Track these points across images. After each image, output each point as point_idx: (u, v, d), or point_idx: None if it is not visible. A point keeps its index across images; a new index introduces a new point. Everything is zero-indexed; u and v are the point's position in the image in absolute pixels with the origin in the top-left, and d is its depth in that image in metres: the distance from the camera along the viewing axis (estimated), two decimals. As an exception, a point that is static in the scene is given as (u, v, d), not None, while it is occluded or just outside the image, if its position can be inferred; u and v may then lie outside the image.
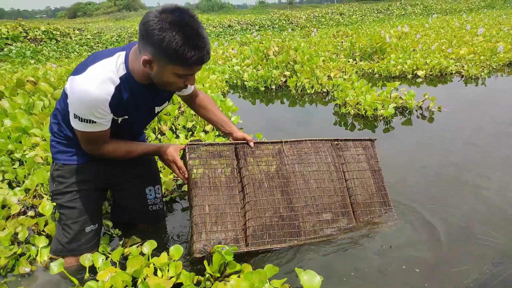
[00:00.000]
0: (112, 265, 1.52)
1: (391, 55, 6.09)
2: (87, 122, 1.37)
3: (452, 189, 2.15)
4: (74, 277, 1.49)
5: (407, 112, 3.64)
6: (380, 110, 3.43)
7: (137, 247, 1.62)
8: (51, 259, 1.63)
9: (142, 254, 1.56)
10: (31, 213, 2.03)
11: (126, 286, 1.34)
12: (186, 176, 1.61)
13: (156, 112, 1.65)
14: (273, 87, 5.18)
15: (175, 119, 3.36)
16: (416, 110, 3.68)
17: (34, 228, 1.89)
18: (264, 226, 1.63)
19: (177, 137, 3.00)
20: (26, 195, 2.17)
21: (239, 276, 1.36)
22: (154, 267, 1.46)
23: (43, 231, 1.85)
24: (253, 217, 1.63)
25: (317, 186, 1.80)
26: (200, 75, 5.22)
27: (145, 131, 2.03)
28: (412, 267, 1.53)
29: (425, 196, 2.09)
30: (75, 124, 1.40)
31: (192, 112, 3.33)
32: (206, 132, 3.13)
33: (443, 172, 2.36)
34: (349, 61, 6.24)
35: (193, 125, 3.26)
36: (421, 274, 1.49)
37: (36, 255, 1.68)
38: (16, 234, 1.81)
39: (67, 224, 1.60)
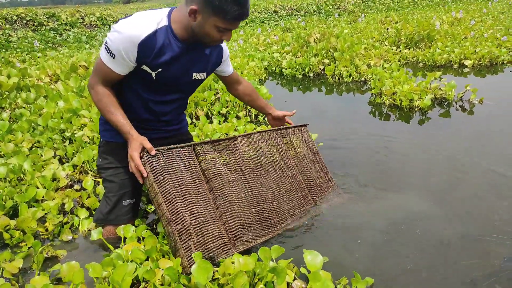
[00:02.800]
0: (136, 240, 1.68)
1: (438, 43, 5.82)
2: (109, 53, 1.46)
3: (479, 186, 2.11)
4: (111, 245, 1.68)
5: (446, 104, 3.53)
6: (416, 101, 3.36)
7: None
8: (90, 230, 1.83)
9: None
10: (76, 186, 2.27)
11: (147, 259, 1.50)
12: (144, 175, 1.49)
13: (193, 79, 1.69)
14: (311, 74, 5.18)
15: (211, 105, 3.51)
16: (456, 102, 3.54)
17: (78, 200, 2.13)
18: (245, 224, 1.65)
19: (211, 122, 3.15)
20: (74, 171, 2.42)
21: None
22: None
23: (85, 204, 2.07)
24: (232, 217, 1.61)
25: (278, 175, 1.87)
26: (240, 62, 5.33)
27: (185, 113, 2.03)
28: (423, 257, 1.57)
29: (454, 190, 2.07)
30: (101, 50, 1.51)
31: (227, 98, 3.47)
32: (238, 118, 3.25)
33: (468, 166, 2.31)
34: (392, 49, 6.05)
35: (227, 111, 3.39)
36: (430, 266, 1.52)
37: (78, 225, 1.90)
38: (63, 204, 2.05)
39: (108, 197, 1.77)
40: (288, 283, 1.38)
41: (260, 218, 1.71)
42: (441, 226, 1.77)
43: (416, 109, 3.37)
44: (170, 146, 1.58)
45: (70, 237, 1.84)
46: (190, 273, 1.37)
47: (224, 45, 1.80)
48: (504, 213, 1.83)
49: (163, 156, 1.54)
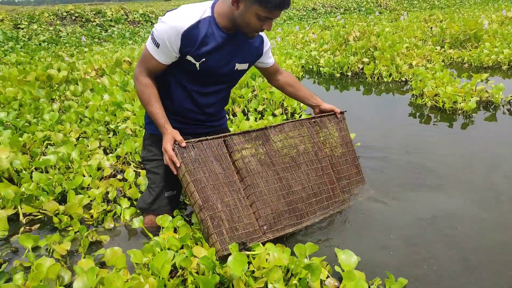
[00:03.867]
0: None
1: (485, 43, 5.54)
2: (154, 42, 1.54)
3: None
4: (151, 234, 1.76)
5: (492, 107, 3.37)
6: (460, 103, 3.23)
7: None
8: (132, 219, 1.92)
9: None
10: (119, 176, 2.39)
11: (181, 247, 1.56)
12: (177, 166, 1.55)
13: (236, 69, 1.72)
14: (349, 73, 5.10)
15: (247, 102, 3.55)
16: (503, 106, 3.37)
17: (121, 189, 2.23)
18: (274, 214, 1.68)
19: (248, 119, 3.19)
20: (117, 161, 2.54)
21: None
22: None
23: (126, 194, 2.17)
24: (262, 207, 1.66)
25: (308, 167, 1.85)
26: (277, 59, 5.34)
27: (225, 110, 2.06)
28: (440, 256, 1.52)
29: (493, 196, 1.99)
30: (148, 40, 1.59)
31: (264, 96, 3.49)
32: (274, 115, 3.27)
33: (510, 173, 2.20)
34: (436, 49, 5.84)
35: (263, 108, 3.42)
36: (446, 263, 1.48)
37: (120, 213, 2.00)
38: (106, 193, 2.17)
39: (151, 187, 1.85)
40: (321, 281, 1.39)
41: (289, 208, 1.74)
42: (479, 231, 1.71)
43: (460, 111, 3.24)
44: (200, 138, 1.61)
45: (112, 225, 1.94)
46: (222, 258, 1.46)
47: (265, 37, 1.82)
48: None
49: (194, 148, 1.58)
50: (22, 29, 11.64)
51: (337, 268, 1.40)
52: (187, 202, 2.12)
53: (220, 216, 1.54)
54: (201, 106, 1.78)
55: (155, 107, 1.63)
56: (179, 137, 1.56)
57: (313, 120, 1.98)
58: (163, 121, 1.62)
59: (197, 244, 1.58)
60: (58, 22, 12.73)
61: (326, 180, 1.90)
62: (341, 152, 2.02)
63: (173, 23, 1.50)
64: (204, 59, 1.60)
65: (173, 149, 1.55)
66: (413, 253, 1.61)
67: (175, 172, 1.58)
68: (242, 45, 1.70)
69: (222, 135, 1.68)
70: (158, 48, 1.55)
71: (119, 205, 2.02)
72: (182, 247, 1.57)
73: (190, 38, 1.53)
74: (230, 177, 1.64)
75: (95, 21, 13.44)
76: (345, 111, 2.08)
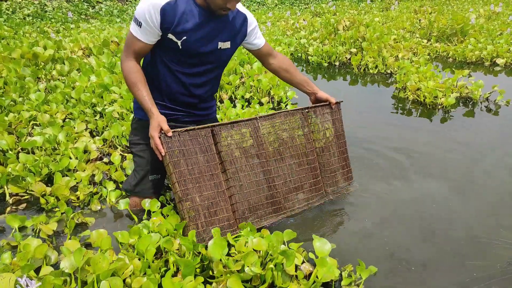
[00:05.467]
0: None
1: (471, 38, 5.66)
2: (136, 23, 1.58)
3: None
4: (135, 216, 1.82)
5: (471, 103, 3.49)
6: (440, 98, 3.34)
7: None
8: (118, 201, 1.98)
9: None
10: (105, 160, 2.43)
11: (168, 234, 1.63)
12: (162, 154, 1.59)
13: (219, 48, 1.73)
14: (337, 63, 5.16)
15: (235, 89, 3.59)
16: (481, 102, 3.50)
17: (107, 172, 2.28)
18: (252, 208, 1.74)
19: (234, 106, 3.24)
20: (104, 144, 2.58)
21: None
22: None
23: (112, 177, 2.22)
24: (241, 200, 1.71)
25: (293, 161, 1.87)
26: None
27: (215, 99, 2.06)
28: (425, 257, 1.64)
29: (467, 191, 2.11)
30: (131, 25, 1.63)
31: (252, 83, 3.54)
32: (261, 104, 3.32)
33: (484, 168, 2.33)
34: (423, 42, 5.93)
35: (250, 96, 3.46)
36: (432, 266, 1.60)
37: (106, 196, 2.05)
38: (93, 175, 2.21)
39: (136, 170, 1.90)
40: (296, 266, 1.48)
41: (268, 202, 1.79)
42: (450, 224, 1.83)
43: (440, 106, 3.35)
44: (187, 128, 1.62)
45: (98, 207, 1.99)
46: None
47: (250, 15, 1.82)
48: (514, 217, 1.87)
49: (180, 138, 1.60)
50: (6, 1, 11.26)
51: (311, 255, 1.50)
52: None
53: (198, 209, 1.61)
54: (189, 87, 1.79)
55: (141, 91, 1.64)
56: (165, 126, 1.58)
57: (306, 110, 1.93)
58: (150, 104, 1.63)
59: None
60: (43, -5, 12.33)
61: (310, 173, 1.92)
62: (331, 145, 1.99)
63: (151, 0, 1.54)
64: (185, 37, 1.63)
65: (159, 137, 1.57)
66: (386, 244, 1.72)
67: (160, 158, 1.61)
68: (224, 24, 1.71)
69: (210, 125, 1.69)
70: (140, 27, 1.59)
71: (105, 187, 2.07)
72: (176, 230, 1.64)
73: (169, 13, 1.56)
74: (213, 170, 1.66)
75: (82, -4, 13.07)
76: (341, 101, 2.04)
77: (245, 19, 1.79)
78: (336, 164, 2.02)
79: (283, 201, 1.84)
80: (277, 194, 1.82)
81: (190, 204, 1.59)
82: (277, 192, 1.82)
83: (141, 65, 1.76)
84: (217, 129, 1.69)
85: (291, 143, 1.88)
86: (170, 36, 1.61)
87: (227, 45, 1.76)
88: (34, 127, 2.73)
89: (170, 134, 1.58)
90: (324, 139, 1.97)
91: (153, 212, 1.79)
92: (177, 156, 1.59)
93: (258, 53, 1.95)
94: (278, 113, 1.86)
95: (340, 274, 1.48)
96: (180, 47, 1.65)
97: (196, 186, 1.61)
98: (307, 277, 1.46)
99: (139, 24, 1.58)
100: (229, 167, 1.71)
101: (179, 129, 1.61)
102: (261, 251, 1.46)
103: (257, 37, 1.88)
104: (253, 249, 1.45)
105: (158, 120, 1.59)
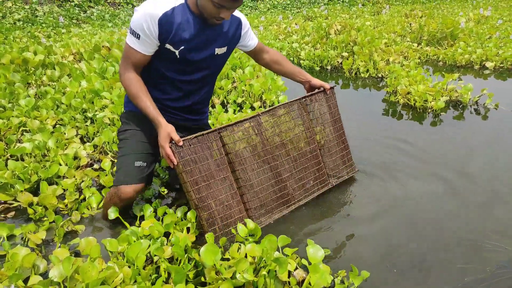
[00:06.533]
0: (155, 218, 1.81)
1: (460, 42, 5.72)
2: (134, 35, 1.57)
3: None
4: (127, 223, 1.80)
5: (460, 106, 3.52)
6: (430, 102, 3.37)
7: (175, 208, 1.90)
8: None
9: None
10: (95, 166, 2.40)
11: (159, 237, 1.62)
12: (175, 164, 1.59)
13: (216, 54, 1.75)
14: (329, 67, 5.19)
15: (227, 94, 3.59)
16: (471, 106, 3.53)
17: (96, 179, 2.26)
18: (263, 204, 1.83)
19: (226, 111, 3.23)
20: (94, 151, 2.55)
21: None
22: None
23: (102, 183, 2.19)
24: (252, 199, 1.81)
25: (297, 152, 1.94)
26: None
27: (209, 107, 2.07)
28: (419, 259, 1.65)
29: (456, 194, 2.13)
30: (127, 37, 1.61)
31: (244, 88, 3.54)
32: (253, 108, 3.32)
33: (472, 171, 2.35)
34: (413, 46, 5.98)
35: (242, 100, 3.46)
36: (427, 267, 1.60)
37: (96, 203, 2.02)
38: (82, 182, 2.19)
39: (123, 156, 1.78)
40: (290, 272, 1.48)
41: (277, 196, 1.88)
42: (441, 228, 1.84)
43: (430, 110, 3.38)
44: (196, 134, 1.62)
45: (87, 214, 1.97)
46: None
47: (243, 18, 1.84)
48: (505, 220, 1.88)
49: (190, 146, 1.60)
50: (-4, 6, 11.16)
51: (304, 261, 1.49)
52: (162, 193, 2.17)
53: (214, 215, 1.68)
54: (185, 92, 1.80)
55: (145, 101, 1.63)
56: (176, 136, 1.56)
57: (303, 99, 1.97)
58: (155, 114, 1.62)
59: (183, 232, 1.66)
60: (34, 0, 12.26)
61: (313, 161, 2.00)
62: (330, 130, 2.07)
63: (148, 11, 1.53)
64: (183, 47, 1.63)
65: (170, 147, 1.56)
66: (379, 248, 1.73)
67: (172, 167, 1.60)
68: (220, 30, 1.72)
69: (217, 128, 1.70)
70: (139, 39, 1.58)
71: (93, 194, 2.04)
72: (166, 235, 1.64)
73: (166, 24, 1.56)
74: (224, 173, 1.70)
75: (73, 1, 13.01)
76: (335, 86, 2.09)
77: (239, 22, 1.82)
78: (335, 148, 2.11)
79: (291, 192, 1.92)
80: (285, 187, 1.90)
81: (206, 211, 1.66)
82: (284, 185, 1.89)
83: None
84: (224, 131, 1.72)
85: (293, 134, 1.94)
86: (168, 46, 1.62)
87: (223, 50, 1.78)
88: (24, 133, 2.70)
89: (181, 143, 1.57)
90: (323, 125, 2.04)
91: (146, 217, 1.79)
92: (190, 165, 1.60)
93: (251, 52, 1.99)
94: (277, 106, 1.89)
95: (333, 281, 1.47)
96: (178, 57, 1.66)
97: (210, 192, 1.66)
98: (300, 283, 1.45)
99: (137, 36, 1.57)
100: (238, 167, 1.76)
101: (188, 137, 1.60)
102: (255, 257, 1.46)
103: (251, 39, 1.92)
104: (247, 255, 1.44)
105: (167, 131, 1.56)
